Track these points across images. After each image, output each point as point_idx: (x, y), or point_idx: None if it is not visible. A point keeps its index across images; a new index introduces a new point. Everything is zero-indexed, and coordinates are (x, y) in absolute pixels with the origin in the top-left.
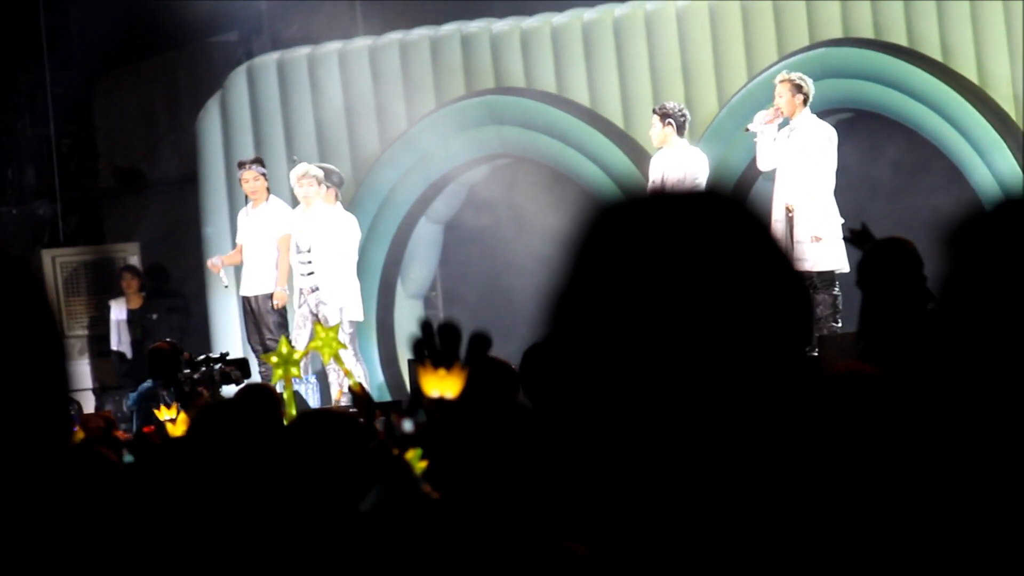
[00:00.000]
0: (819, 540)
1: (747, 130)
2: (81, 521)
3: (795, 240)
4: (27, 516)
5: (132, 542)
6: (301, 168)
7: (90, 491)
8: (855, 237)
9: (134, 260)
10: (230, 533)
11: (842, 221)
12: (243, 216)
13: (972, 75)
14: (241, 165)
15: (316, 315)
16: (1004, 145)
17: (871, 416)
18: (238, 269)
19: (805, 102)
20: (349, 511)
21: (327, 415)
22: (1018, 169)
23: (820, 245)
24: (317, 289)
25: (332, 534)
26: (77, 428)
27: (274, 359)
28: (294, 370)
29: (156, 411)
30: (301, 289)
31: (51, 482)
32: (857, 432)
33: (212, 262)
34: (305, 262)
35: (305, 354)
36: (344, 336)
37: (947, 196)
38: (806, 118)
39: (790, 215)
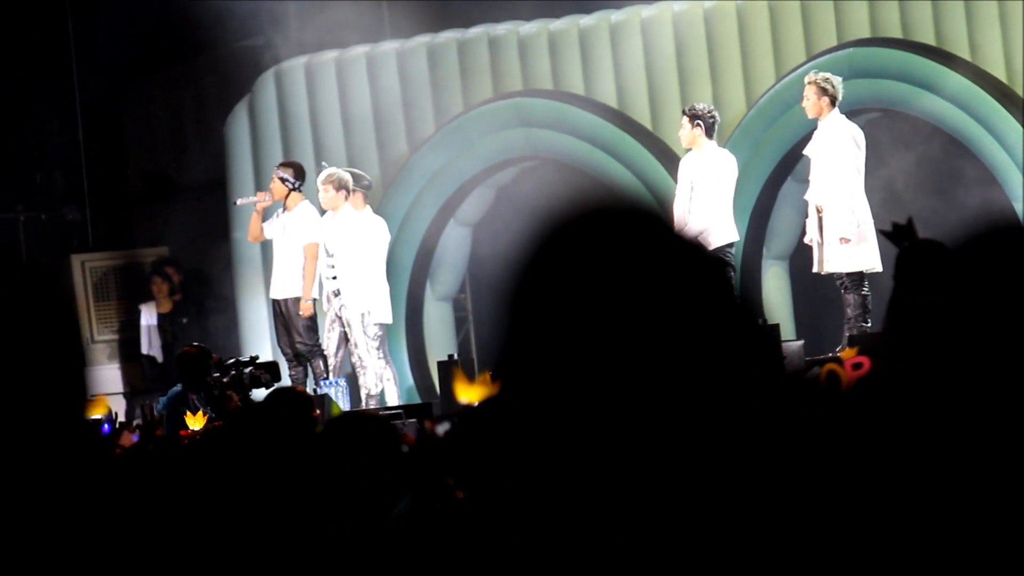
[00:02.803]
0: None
1: (236, 203)
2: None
3: (824, 242)
4: (44, 511)
5: (163, 543)
6: (323, 174)
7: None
8: (896, 232)
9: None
10: (261, 536)
11: (871, 220)
12: (276, 216)
13: (1000, 74)
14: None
15: (341, 318)
16: None
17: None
18: (267, 271)
19: (832, 103)
20: (382, 515)
21: (361, 418)
22: None
23: (848, 247)
24: (339, 293)
25: (364, 538)
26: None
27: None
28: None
29: (186, 416)
30: (328, 293)
31: (67, 478)
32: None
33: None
34: (330, 266)
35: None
36: (373, 339)
37: (976, 196)
38: (833, 119)
39: (820, 216)
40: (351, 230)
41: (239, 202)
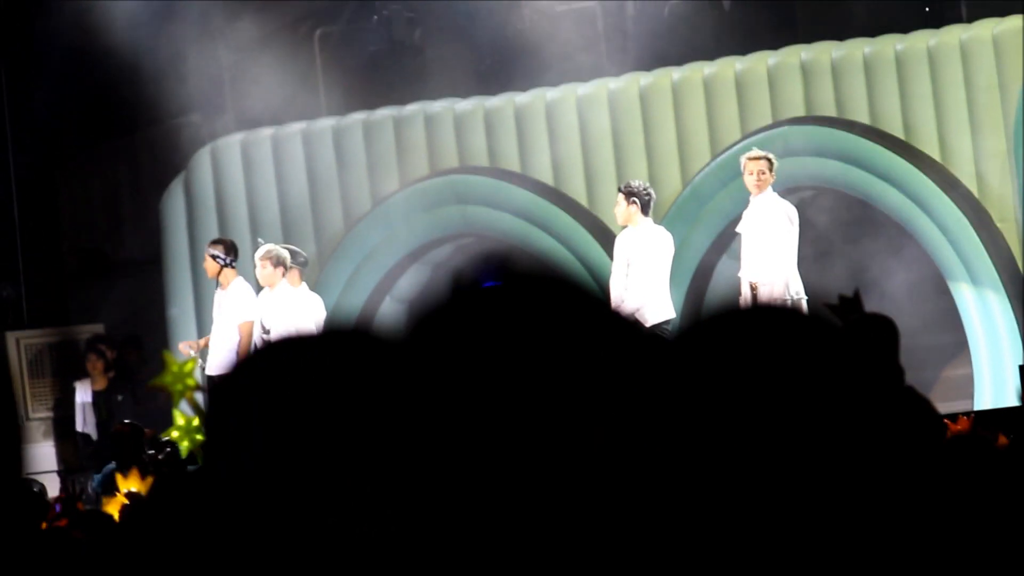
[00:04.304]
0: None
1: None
2: None
3: None
4: None
5: None
6: (260, 250)
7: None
8: (843, 304)
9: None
10: None
11: (805, 297)
12: (216, 296)
13: (935, 153)
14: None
15: None
16: (967, 222)
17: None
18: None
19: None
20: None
21: None
22: (981, 246)
23: None
24: None
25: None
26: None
27: (175, 433)
28: (191, 382)
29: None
30: None
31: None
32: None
33: (183, 347)
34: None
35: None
36: None
37: (911, 274)
38: (767, 196)
39: (754, 292)
40: (288, 307)
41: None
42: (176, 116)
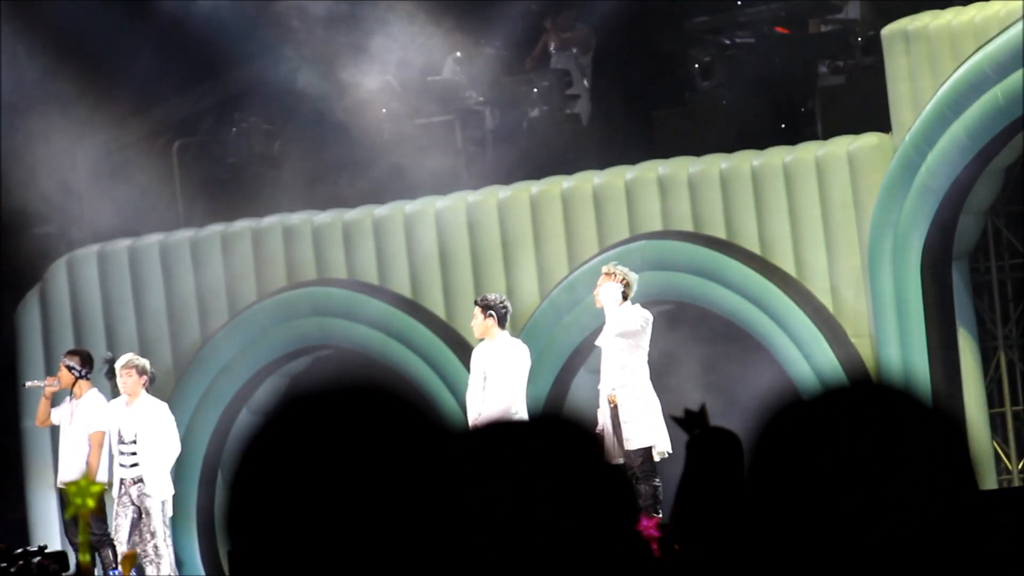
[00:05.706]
0: None
1: (24, 386)
2: None
3: (621, 423)
4: None
5: None
6: (122, 359)
7: None
8: (688, 419)
9: None
10: None
11: (659, 408)
12: (66, 403)
13: (790, 268)
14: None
15: (138, 506)
16: (822, 337)
17: None
18: (56, 460)
19: (625, 298)
20: None
21: None
22: (835, 361)
23: (639, 426)
24: (140, 480)
25: None
26: None
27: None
28: (91, 502)
29: None
30: (123, 479)
31: None
32: None
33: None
34: (129, 453)
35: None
36: (165, 524)
37: (765, 388)
38: (624, 308)
39: (612, 406)
40: (154, 417)
41: (28, 385)
42: (32, 226)
